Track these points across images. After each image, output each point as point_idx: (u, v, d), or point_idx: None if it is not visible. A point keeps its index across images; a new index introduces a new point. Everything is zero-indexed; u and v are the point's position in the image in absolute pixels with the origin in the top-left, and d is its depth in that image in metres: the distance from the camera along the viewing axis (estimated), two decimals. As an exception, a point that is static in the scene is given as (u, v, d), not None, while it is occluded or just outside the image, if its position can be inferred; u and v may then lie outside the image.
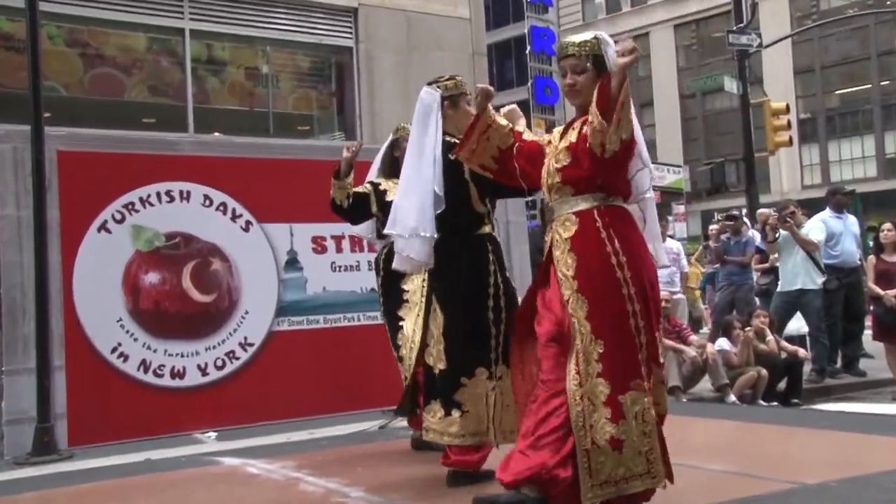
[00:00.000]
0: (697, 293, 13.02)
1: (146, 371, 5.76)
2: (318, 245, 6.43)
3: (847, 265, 8.79)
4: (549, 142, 3.28)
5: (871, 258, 8.73)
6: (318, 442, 5.39)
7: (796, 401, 7.62)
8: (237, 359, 6.05)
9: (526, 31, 35.30)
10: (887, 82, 32.74)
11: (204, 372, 5.94)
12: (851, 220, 9.16)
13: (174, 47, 8.52)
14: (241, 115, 9.17)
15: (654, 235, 3.29)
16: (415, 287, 4.50)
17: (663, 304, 7.35)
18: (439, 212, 3.71)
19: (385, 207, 4.54)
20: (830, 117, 34.24)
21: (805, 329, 8.78)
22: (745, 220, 10.59)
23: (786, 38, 23.86)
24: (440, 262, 3.84)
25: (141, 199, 5.87)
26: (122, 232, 5.80)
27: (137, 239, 5.85)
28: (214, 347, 6.00)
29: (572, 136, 3.10)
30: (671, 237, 11.94)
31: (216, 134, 8.72)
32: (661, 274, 8.16)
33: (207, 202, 6.10)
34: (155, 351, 5.80)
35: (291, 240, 6.34)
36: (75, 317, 5.58)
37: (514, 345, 3.35)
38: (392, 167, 4.72)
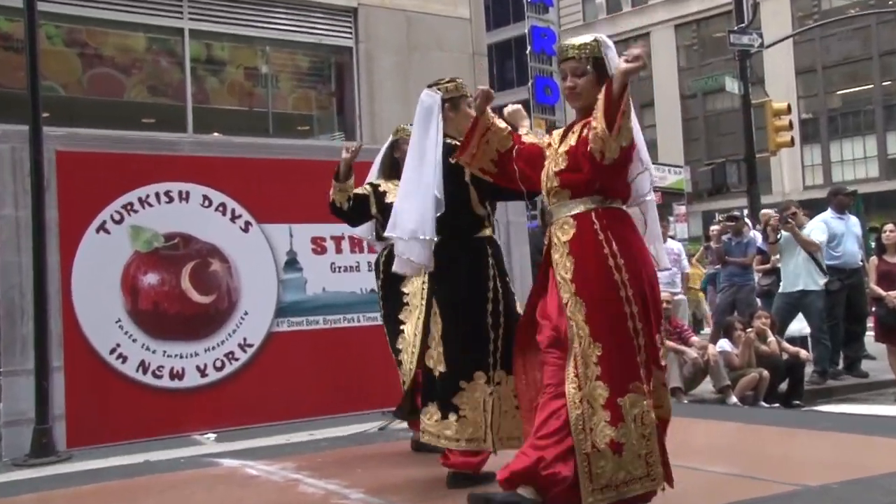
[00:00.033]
0: (701, 294, 13.01)
1: (145, 372, 5.75)
2: (318, 246, 6.41)
3: (849, 266, 8.77)
4: (549, 144, 3.27)
5: (873, 259, 8.71)
6: (318, 443, 5.38)
7: (798, 402, 7.61)
8: (236, 360, 6.04)
9: (526, 31, 35.35)
10: (889, 82, 32.69)
11: (203, 373, 5.92)
12: (853, 221, 9.14)
13: (173, 47, 8.51)
14: (240, 116, 9.16)
15: (655, 237, 3.29)
16: (414, 290, 4.49)
17: (664, 305, 7.36)
18: (439, 215, 3.70)
19: (384, 209, 4.53)
20: (832, 118, 34.20)
21: (806, 330, 8.76)
22: (747, 220, 10.57)
23: (787, 38, 23.81)
24: (440, 265, 3.83)
25: (140, 200, 5.86)
26: (120, 232, 5.78)
27: (136, 239, 5.83)
28: (214, 348, 5.98)
29: (572, 140, 3.09)
30: (672, 238, 11.93)
31: (215, 134, 8.70)
32: (662, 275, 8.20)
33: (206, 203, 6.08)
34: (154, 352, 5.78)
35: (291, 240, 6.33)
36: (74, 318, 5.56)
37: (517, 353, 3.35)
38: (392, 168, 4.71)
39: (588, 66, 3.07)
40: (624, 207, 3.15)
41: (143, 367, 5.74)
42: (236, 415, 5.93)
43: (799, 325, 8.81)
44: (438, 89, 3.90)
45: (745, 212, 13.76)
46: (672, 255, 8.83)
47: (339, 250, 6.47)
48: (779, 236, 8.60)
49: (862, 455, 4.40)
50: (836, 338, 8.63)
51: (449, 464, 3.85)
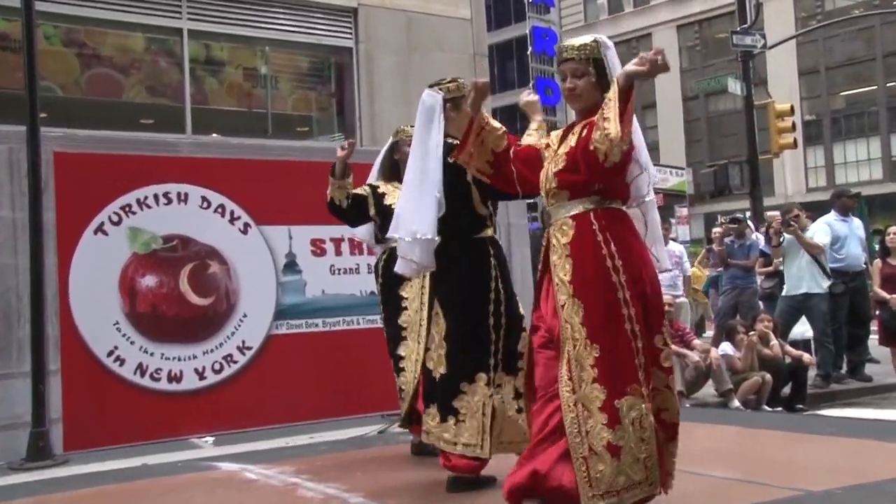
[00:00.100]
0: (704, 297, 13.01)
1: (143, 375, 5.72)
2: (317, 248, 6.39)
3: (852, 269, 8.72)
4: (548, 145, 3.24)
5: (877, 262, 8.69)
6: (317, 447, 5.36)
7: (801, 406, 7.58)
8: (235, 362, 6.01)
9: (527, 31, 35.39)
10: (893, 83, 32.67)
11: (201, 376, 5.89)
12: (857, 224, 9.10)
13: (172, 47, 8.48)
14: (239, 116, 9.13)
15: (656, 238, 3.27)
16: (413, 294, 4.47)
17: (666, 307, 7.32)
18: (441, 215, 3.69)
19: (383, 211, 4.51)
20: (835, 119, 34.20)
21: (809, 333, 8.72)
22: (749, 223, 10.54)
23: (790, 38, 23.83)
24: (441, 266, 3.82)
25: (138, 201, 5.83)
26: (118, 234, 5.75)
27: (134, 241, 5.80)
28: (212, 351, 5.95)
29: (572, 141, 3.07)
30: (674, 240, 11.91)
31: (214, 135, 8.68)
32: (664, 277, 8.19)
33: (205, 204, 6.06)
34: (152, 354, 5.75)
35: (290, 242, 6.30)
36: (71, 320, 5.53)
37: (527, 360, 3.36)
38: (391, 170, 4.69)
39: (588, 67, 3.05)
40: (624, 208, 3.12)
41: (141, 369, 5.71)
42: (235, 418, 5.91)
43: (802, 329, 8.77)
44: (440, 89, 3.89)
45: (748, 214, 13.73)
46: (674, 257, 8.81)
47: (338, 252, 6.45)
48: (781, 239, 8.56)
49: (866, 460, 4.37)
50: (839, 341, 8.58)
51: (449, 465, 3.84)
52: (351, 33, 9.16)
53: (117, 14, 8.07)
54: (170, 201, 5.93)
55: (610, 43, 3.11)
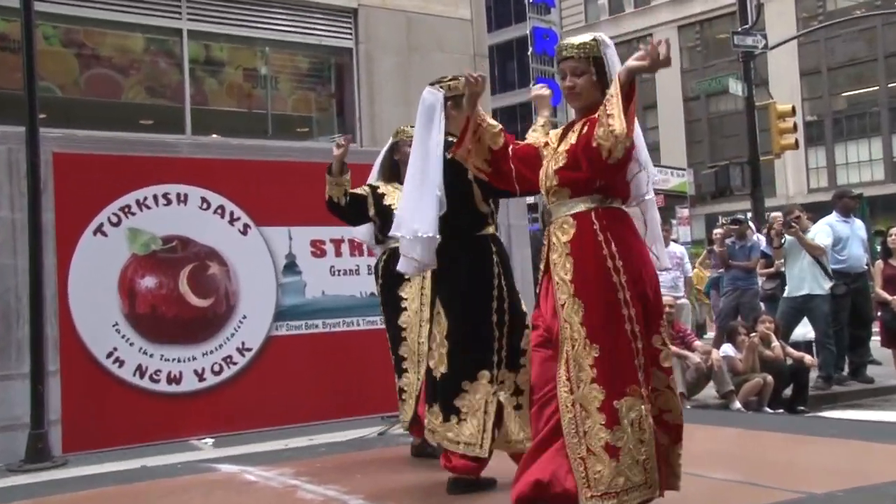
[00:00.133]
0: (706, 298, 13.00)
1: (142, 376, 5.70)
2: (317, 249, 6.37)
3: (854, 270, 8.71)
4: (546, 143, 3.23)
5: (879, 263, 8.67)
6: (317, 448, 5.35)
7: (802, 408, 7.56)
8: (235, 364, 5.99)
9: (528, 32, 35.37)
10: (895, 84, 32.63)
11: (201, 377, 5.87)
12: (858, 225, 9.09)
13: (172, 48, 8.47)
14: (239, 117, 9.12)
15: (656, 237, 3.26)
16: (412, 294, 4.46)
17: (667, 309, 7.32)
18: (442, 213, 3.69)
19: (383, 212, 4.50)
20: (837, 120, 34.17)
21: (811, 335, 8.71)
22: (750, 224, 10.53)
23: (791, 39, 23.80)
24: (442, 265, 3.82)
25: (138, 202, 5.81)
26: (118, 235, 5.74)
27: (134, 242, 5.79)
28: (212, 352, 5.93)
29: (573, 139, 3.05)
30: (675, 241, 11.89)
31: (214, 136, 8.67)
32: (665, 278, 8.21)
33: (205, 205, 6.04)
34: (151, 356, 5.74)
35: (290, 243, 6.28)
36: (70, 321, 5.52)
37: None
38: (391, 171, 4.68)
39: (588, 66, 3.04)
40: (623, 207, 3.11)
41: (141, 371, 5.70)
42: (234, 420, 5.89)
43: (803, 330, 8.76)
44: (441, 87, 3.87)
45: (749, 215, 13.70)
46: (675, 258, 8.79)
47: (338, 253, 6.43)
48: (783, 241, 8.54)
49: (868, 462, 4.35)
50: (841, 343, 8.57)
51: (450, 466, 3.83)
52: (351, 34, 9.15)
53: (116, 14, 8.05)
54: (169, 202, 5.92)
55: (610, 41, 3.10)
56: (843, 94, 34.14)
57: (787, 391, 7.71)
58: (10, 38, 7.53)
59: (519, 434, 3.71)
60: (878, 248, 10.07)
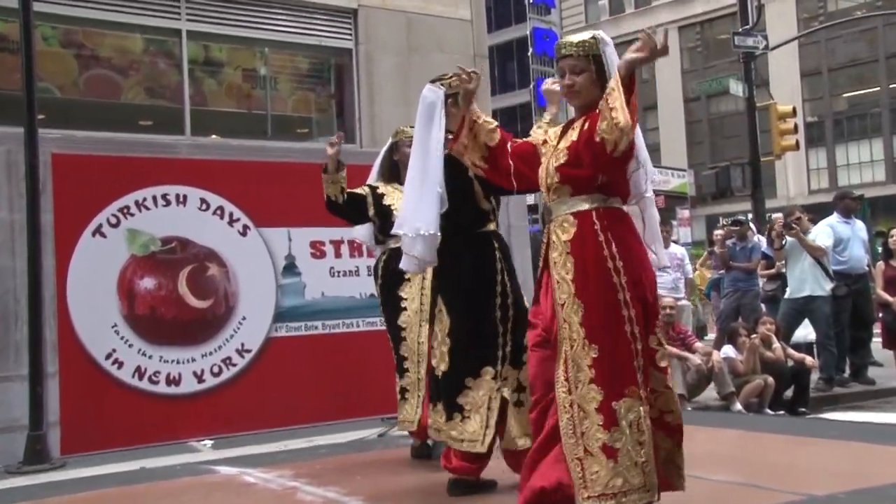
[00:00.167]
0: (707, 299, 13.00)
1: (141, 378, 5.69)
2: (317, 250, 6.37)
3: (855, 271, 8.69)
4: (545, 141, 3.22)
5: (880, 264, 8.66)
6: (317, 450, 5.34)
7: (803, 410, 7.54)
8: (234, 365, 5.98)
9: (528, 32, 35.31)
10: None
11: (200, 379, 5.87)
12: (859, 226, 9.07)
13: (171, 49, 8.46)
14: (238, 118, 9.11)
15: (654, 235, 3.24)
16: (412, 294, 4.45)
17: (668, 310, 7.32)
18: (444, 210, 3.69)
19: (382, 212, 4.49)
20: (838, 120, 34.15)
21: (812, 336, 8.70)
22: (751, 225, 10.51)
23: (792, 40, 23.78)
24: (444, 263, 3.82)
25: (136, 203, 5.81)
26: (117, 236, 5.73)
27: (133, 243, 5.78)
28: (211, 354, 5.93)
29: (573, 136, 3.04)
30: (675, 242, 11.86)
31: (213, 137, 8.66)
32: (666, 280, 8.19)
33: (204, 206, 6.03)
34: (150, 357, 5.73)
35: (289, 244, 6.28)
36: (69, 322, 5.51)
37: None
38: (391, 171, 4.67)
39: (587, 64, 3.03)
40: (623, 207, 3.09)
41: (140, 372, 5.69)
42: (234, 421, 5.88)
43: (804, 332, 8.74)
44: (441, 84, 3.86)
45: (750, 216, 13.69)
46: (675, 259, 8.77)
47: (338, 254, 6.42)
48: (784, 242, 8.53)
49: (869, 464, 4.34)
50: (842, 344, 8.55)
51: (450, 467, 3.82)
52: (351, 34, 9.14)
53: (116, 15, 8.05)
54: (168, 203, 5.91)
55: (609, 39, 3.08)
56: (844, 95, 34.13)
57: (788, 393, 7.70)
58: (8, 38, 7.52)
59: (518, 432, 3.71)
60: (879, 249, 10.04)
